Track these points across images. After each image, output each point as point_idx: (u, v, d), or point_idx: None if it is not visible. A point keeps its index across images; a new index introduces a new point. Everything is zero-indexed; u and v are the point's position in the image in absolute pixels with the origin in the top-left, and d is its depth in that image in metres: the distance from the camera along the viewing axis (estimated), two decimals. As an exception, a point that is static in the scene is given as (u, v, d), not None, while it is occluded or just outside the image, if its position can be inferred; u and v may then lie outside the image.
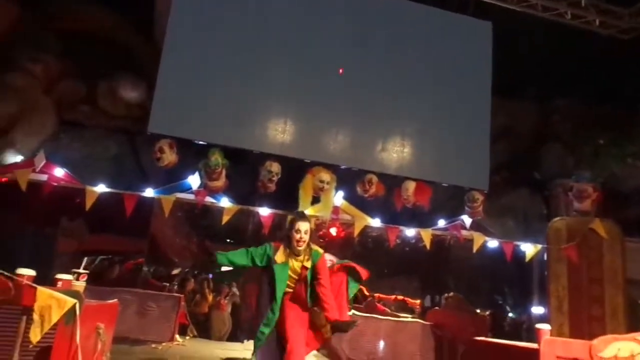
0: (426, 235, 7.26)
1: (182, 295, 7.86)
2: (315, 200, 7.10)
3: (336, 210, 7.09)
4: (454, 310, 7.85)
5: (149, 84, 7.38)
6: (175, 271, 10.47)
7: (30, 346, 2.95)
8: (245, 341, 7.78)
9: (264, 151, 7.21)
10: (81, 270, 3.83)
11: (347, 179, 7.45)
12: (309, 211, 6.83)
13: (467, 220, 7.49)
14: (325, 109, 7.54)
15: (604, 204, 7.61)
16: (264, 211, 6.85)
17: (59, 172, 6.46)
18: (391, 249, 8.58)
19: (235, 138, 7.16)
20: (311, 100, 7.51)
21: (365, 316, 7.03)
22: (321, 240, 9.31)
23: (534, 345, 4.24)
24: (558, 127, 9.37)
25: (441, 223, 7.47)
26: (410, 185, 7.61)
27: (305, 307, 3.95)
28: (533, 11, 8.40)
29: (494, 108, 8.22)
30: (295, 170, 7.22)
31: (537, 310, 8.65)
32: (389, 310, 9.25)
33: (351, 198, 7.30)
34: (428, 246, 7.31)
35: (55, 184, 6.43)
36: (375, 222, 7.22)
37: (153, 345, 6.76)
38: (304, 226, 3.90)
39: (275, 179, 7.04)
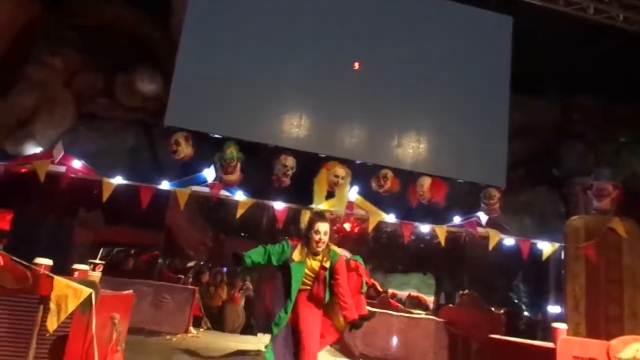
0: (441, 231, 7.19)
1: (196, 288, 7.91)
2: (330, 195, 7.08)
3: (350, 205, 7.07)
4: (468, 308, 7.77)
5: (166, 77, 7.43)
6: (190, 264, 10.56)
7: (47, 334, 2.99)
8: (259, 334, 7.81)
9: (279, 145, 7.22)
10: (97, 261, 3.90)
11: (362, 174, 7.42)
12: (323, 206, 6.82)
13: (483, 217, 7.38)
14: (341, 103, 7.52)
15: (624, 202, 7.46)
16: (279, 205, 6.86)
17: (77, 163, 6.55)
18: (405, 245, 8.54)
19: (251, 132, 7.18)
20: (327, 95, 7.49)
21: (378, 312, 7.01)
22: (335, 235, 9.29)
23: (550, 345, 4.17)
24: (579, 125, 9.19)
25: (456, 220, 7.39)
26: (426, 181, 7.54)
27: (320, 305, 3.96)
28: (555, 6, 8.22)
29: (512, 104, 8.10)
30: (310, 164, 7.22)
31: (553, 309, 8.54)
32: (402, 307, 9.20)
33: (366, 193, 7.27)
34: (443, 243, 7.25)
35: (73, 175, 6.53)
36: (390, 218, 7.19)
37: (167, 337, 6.83)
38: (323, 227, 3.91)
39: (290, 173, 7.05)
